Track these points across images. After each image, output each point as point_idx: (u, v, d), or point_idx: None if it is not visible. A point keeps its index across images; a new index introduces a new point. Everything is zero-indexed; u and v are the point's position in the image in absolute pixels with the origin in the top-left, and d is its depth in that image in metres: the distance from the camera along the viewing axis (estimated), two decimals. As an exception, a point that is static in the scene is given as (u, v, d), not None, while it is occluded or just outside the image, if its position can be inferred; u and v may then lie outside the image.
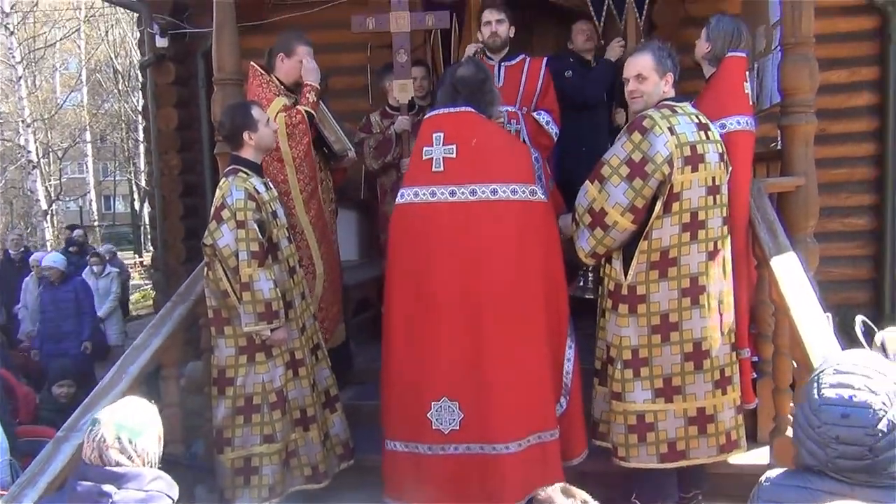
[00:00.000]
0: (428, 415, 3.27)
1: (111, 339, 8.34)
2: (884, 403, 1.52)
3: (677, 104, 3.21)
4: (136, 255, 21.08)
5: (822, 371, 1.62)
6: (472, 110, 3.39)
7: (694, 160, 3.09)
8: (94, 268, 8.62)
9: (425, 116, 3.60)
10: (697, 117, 3.22)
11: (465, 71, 3.51)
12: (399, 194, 3.46)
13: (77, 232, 10.96)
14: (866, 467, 1.54)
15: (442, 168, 3.32)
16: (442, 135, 3.35)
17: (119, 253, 22.81)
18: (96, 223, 26.34)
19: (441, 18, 4.77)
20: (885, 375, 1.56)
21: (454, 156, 3.32)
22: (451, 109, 3.41)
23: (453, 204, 3.29)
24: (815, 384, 1.60)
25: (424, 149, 3.39)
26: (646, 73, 3.23)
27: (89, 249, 10.02)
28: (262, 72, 4.15)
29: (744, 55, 3.79)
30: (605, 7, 5.75)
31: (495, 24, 4.48)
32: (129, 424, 2.22)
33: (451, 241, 3.29)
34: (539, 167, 3.49)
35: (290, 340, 3.60)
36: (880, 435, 1.51)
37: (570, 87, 4.84)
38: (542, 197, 3.37)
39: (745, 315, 3.60)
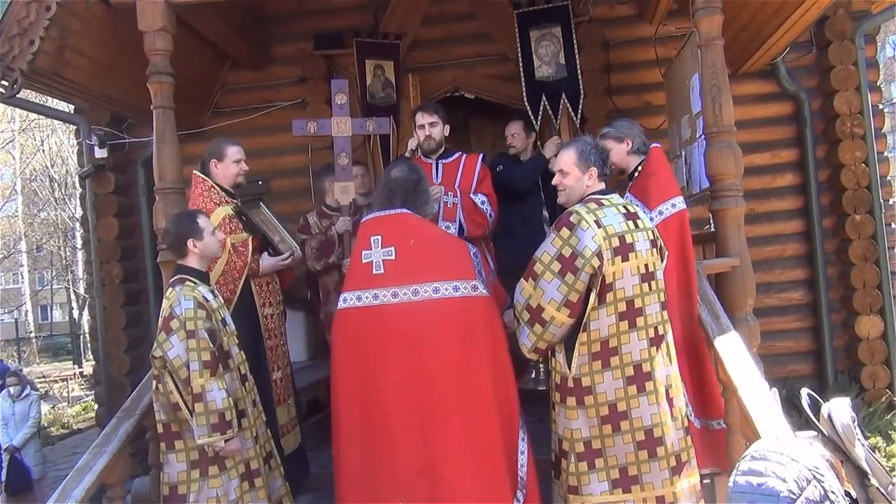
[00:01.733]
0: None
1: (32, 473, 7.56)
2: (790, 491, 1.52)
3: (604, 197, 3.31)
4: (76, 366, 20.36)
5: (742, 458, 1.65)
6: (408, 212, 3.45)
7: (624, 250, 3.16)
8: (11, 389, 7.82)
9: (361, 220, 3.63)
10: (625, 207, 3.30)
11: (398, 173, 3.59)
12: (341, 299, 3.45)
13: None
14: None
15: (382, 270, 3.35)
16: (380, 238, 3.39)
17: (58, 363, 22.02)
18: (33, 334, 25.49)
19: (381, 124, 4.92)
20: (797, 462, 1.57)
21: (394, 258, 3.35)
22: (388, 212, 3.47)
23: (397, 305, 3.30)
24: (734, 471, 1.62)
25: (363, 252, 3.42)
26: (567, 169, 3.36)
27: None
28: (204, 178, 4.19)
29: (659, 145, 4.07)
30: (540, 106, 6.06)
31: (429, 128, 4.57)
32: None
33: (397, 343, 3.29)
34: (478, 262, 3.55)
35: (244, 451, 3.51)
36: None
37: (499, 180, 4.96)
38: (484, 291, 3.39)
39: (716, 384, 3.67)
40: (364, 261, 3.41)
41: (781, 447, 1.62)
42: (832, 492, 1.56)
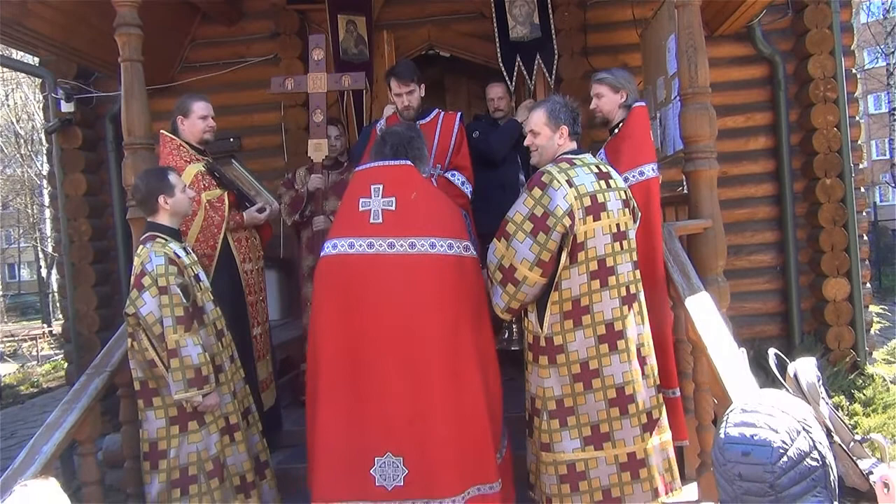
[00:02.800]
0: (371, 471, 3.20)
1: None
2: (783, 441, 1.56)
3: (576, 156, 3.29)
4: (45, 325, 20.15)
5: (731, 410, 1.68)
6: (411, 164, 3.42)
7: (595, 209, 3.16)
8: None
9: (360, 168, 3.58)
10: (598, 167, 3.29)
11: (396, 127, 3.61)
12: (330, 244, 3.38)
13: None
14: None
15: (381, 220, 3.31)
16: (381, 187, 3.35)
17: (26, 322, 21.77)
18: (0, 293, 25.15)
19: (357, 79, 4.83)
20: (787, 414, 1.61)
21: (393, 208, 3.32)
22: (391, 162, 3.43)
23: (392, 256, 3.27)
24: (724, 423, 1.65)
25: (361, 200, 3.37)
26: (537, 129, 3.35)
27: None
28: (172, 137, 4.13)
29: (645, 104, 4.00)
30: (515, 67, 6.00)
31: (406, 97, 4.46)
32: None
33: (390, 294, 3.26)
34: (469, 223, 3.54)
35: (222, 405, 3.51)
36: (779, 472, 1.55)
37: (475, 146, 4.90)
38: (474, 253, 3.41)
39: (672, 354, 3.69)
40: (361, 209, 3.35)
41: (771, 400, 1.65)
42: (819, 443, 1.59)
